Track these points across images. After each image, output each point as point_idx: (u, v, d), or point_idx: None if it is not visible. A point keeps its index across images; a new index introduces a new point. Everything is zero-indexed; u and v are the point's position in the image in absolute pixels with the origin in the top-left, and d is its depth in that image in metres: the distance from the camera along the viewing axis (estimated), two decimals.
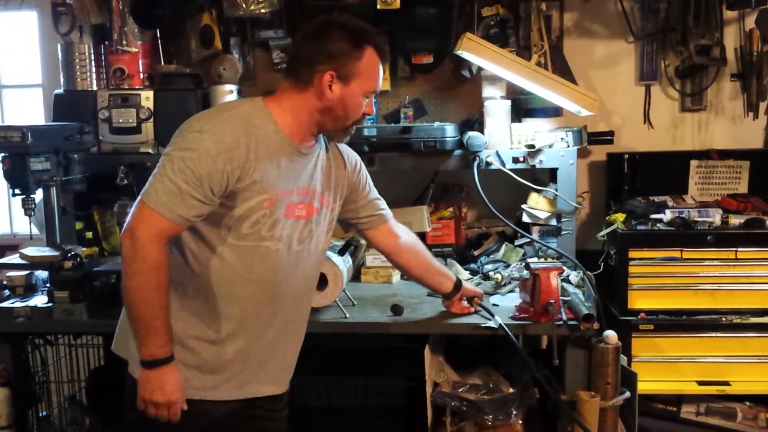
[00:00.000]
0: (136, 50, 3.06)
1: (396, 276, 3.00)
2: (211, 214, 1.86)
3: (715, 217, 2.75)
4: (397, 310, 2.51)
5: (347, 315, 2.51)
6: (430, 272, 2.45)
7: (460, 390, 2.55)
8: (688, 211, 2.79)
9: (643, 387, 2.53)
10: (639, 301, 2.72)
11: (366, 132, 2.86)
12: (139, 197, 1.81)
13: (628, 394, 2.37)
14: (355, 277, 2.95)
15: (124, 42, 3.04)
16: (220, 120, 1.86)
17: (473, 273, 3.00)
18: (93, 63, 3.09)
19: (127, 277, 1.80)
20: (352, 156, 2.21)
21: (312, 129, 1.97)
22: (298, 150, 1.95)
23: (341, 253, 2.68)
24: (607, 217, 2.91)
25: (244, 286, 1.94)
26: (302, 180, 1.98)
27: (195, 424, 1.94)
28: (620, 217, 2.82)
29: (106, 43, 3.11)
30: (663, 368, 2.73)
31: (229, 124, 1.85)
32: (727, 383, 2.71)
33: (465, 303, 2.50)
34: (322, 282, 2.50)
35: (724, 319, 2.70)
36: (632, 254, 2.71)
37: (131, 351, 1.92)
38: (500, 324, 2.36)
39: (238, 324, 1.96)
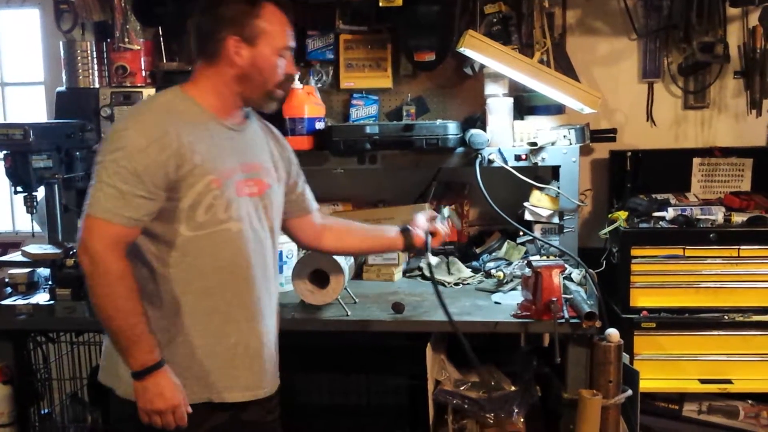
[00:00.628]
0: (138, 48, 3.05)
1: (398, 274, 3.00)
2: (163, 212, 1.81)
3: (718, 214, 2.75)
4: (398, 308, 2.51)
5: (349, 313, 2.50)
6: (368, 236, 2.36)
7: (461, 388, 2.55)
8: (691, 209, 2.78)
9: (645, 385, 2.53)
10: (641, 299, 2.72)
11: (368, 130, 2.86)
12: (83, 212, 1.77)
13: (630, 392, 2.37)
14: (357, 274, 2.95)
15: (126, 39, 3.03)
16: (141, 114, 1.85)
17: (475, 271, 3.00)
18: (95, 60, 3.09)
19: (95, 294, 1.76)
20: (283, 138, 2.19)
21: (237, 102, 1.93)
22: (231, 127, 1.92)
23: None
24: (610, 215, 2.91)
25: (216, 276, 1.88)
26: (244, 156, 1.94)
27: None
28: (623, 214, 2.82)
29: (108, 40, 3.10)
30: (665, 366, 2.73)
31: (152, 115, 1.83)
32: (729, 381, 2.71)
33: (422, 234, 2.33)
34: (324, 280, 2.50)
35: (726, 317, 2.69)
36: (634, 252, 2.70)
37: (120, 374, 1.87)
38: (429, 263, 2.35)
39: (222, 318, 1.90)
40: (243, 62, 1.87)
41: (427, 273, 2.95)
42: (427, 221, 2.33)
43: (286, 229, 2.22)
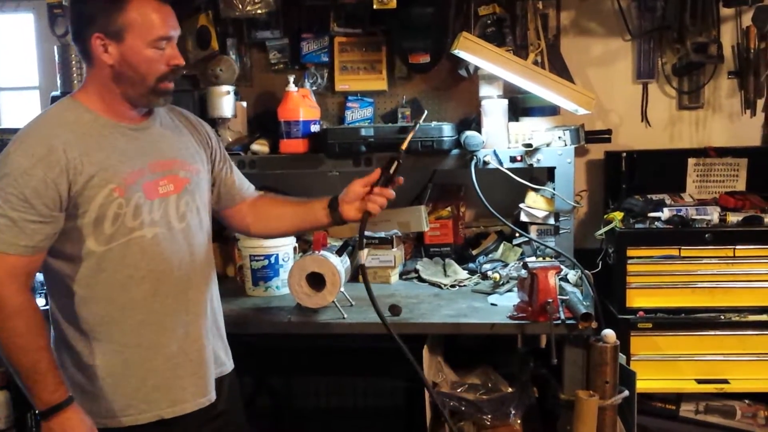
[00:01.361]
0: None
1: (394, 276, 3.00)
2: (68, 231, 1.74)
3: (713, 214, 2.75)
4: (395, 310, 2.51)
5: (345, 316, 2.50)
6: (296, 217, 2.18)
7: (458, 390, 2.55)
8: (686, 209, 2.78)
9: (641, 385, 2.53)
10: (637, 299, 2.72)
11: (363, 132, 2.86)
12: None
13: (626, 392, 2.37)
14: (353, 277, 2.94)
15: None
16: (27, 134, 1.74)
17: (471, 272, 3.00)
18: None
19: None
20: (204, 124, 2.08)
21: (123, 102, 1.81)
22: (131, 128, 1.83)
23: (339, 253, 2.68)
24: (605, 216, 2.91)
25: (140, 287, 1.80)
26: (152, 155, 1.84)
27: None
28: (618, 215, 2.82)
29: None
30: (662, 367, 2.72)
31: (36, 133, 1.73)
32: (726, 381, 2.71)
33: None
34: (320, 283, 2.50)
35: (722, 317, 2.69)
36: (630, 253, 2.70)
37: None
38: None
39: (154, 329, 1.83)
40: (112, 60, 1.76)
41: (423, 275, 2.95)
42: (363, 188, 2.09)
43: (220, 218, 2.15)
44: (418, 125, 2.18)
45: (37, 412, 1.72)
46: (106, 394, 1.81)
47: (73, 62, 3.07)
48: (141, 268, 1.80)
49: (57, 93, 3.09)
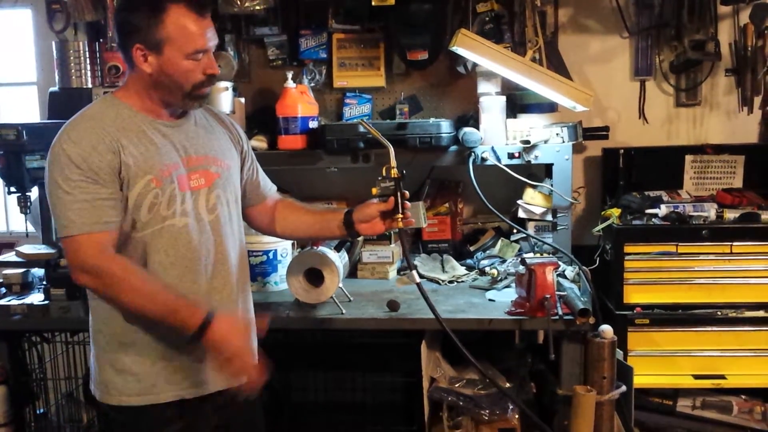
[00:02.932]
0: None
1: (392, 272, 3.00)
2: None
3: (710, 211, 2.76)
4: (393, 306, 2.52)
5: (344, 311, 2.51)
6: (315, 225, 2.25)
7: (456, 385, 2.56)
8: (683, 206, 2.79)
9: (639, 381, 2.54)
10: (634, 295, 2.73)
11: (361, 128, 2.86)
12: (60, 239, 1.81)
13: (624, 388, 2.38)
14: (352, 273, 2.96)
15: None
16: (73, 127, 1.83)
17: (469, 268, 3.01)
18: (88, 60, 3.09)
19: (118, 300, 1.81)
20: (236, 125, 2.18)
21: (160, 103, 1.92)
22: (167, 124, 1.93)
23: (337, 249, 2.68)
24: (603, 212, 2.92)
25: (169, 272, 1.89)
26: (186, 150, 1.94)
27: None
28: (615, 212, 2.83)
29: (101, 40, 3.10)
30: (659, 362, 2.74)
31: (83, 126, 1.83)
32: (722, 377, 2.72)
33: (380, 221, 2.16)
34: (319, 278, 2.51)
35: (719, 313, 2.70)
36: (628, 249, 2.71)
37: (106, 380, 1.92)
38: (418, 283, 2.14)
39: None
40: (151, 69, 1.85)
41: (422, 271, 2.96)
42: (377, 212, 2.13)
43: (243, 216, 2.20)
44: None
45: (193, 337, 1.80)
46: (132, 372, 1.90)
47: (71, 58, 3.07)
48: (171, 255, 1.89)
49: (55, 89, 3.09)
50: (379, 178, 2.11)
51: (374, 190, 2.12)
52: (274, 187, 2.30)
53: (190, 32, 1.83)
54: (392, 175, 2.09)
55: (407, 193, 2.11)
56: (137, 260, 1.87)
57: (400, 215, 2.09)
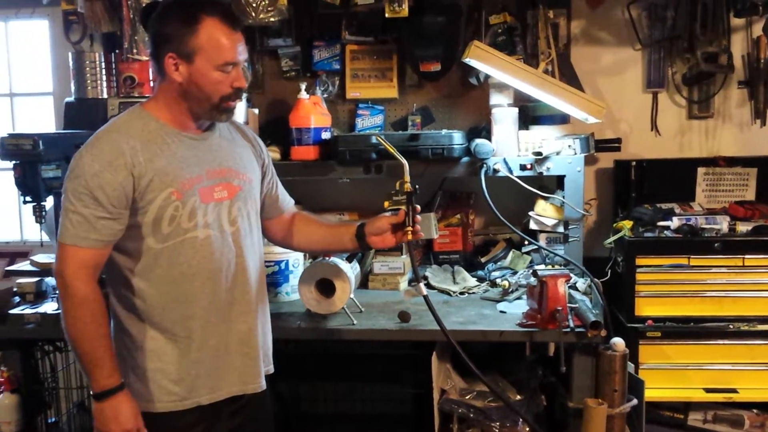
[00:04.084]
0: (147, 59, 3.06)
1: (403, 283, 3.01)
2: (131, 228, 1.87)
3: (723, 224, 2.76)
4: (404, 317, 2.52)
5: (355, 322, 2.52)
6: (328, 239, 2.28)
7: (467, 397, 2.56)
8: (696, 219, 2.79)
9: (650, 394, 2.53)
10: (646, 308, 2.72)
11: (374, 140, 2.87)
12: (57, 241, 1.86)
13: (635, 401, 2.37)
14: (363, 284, 2.96)
15: (135, 50, 3.05)
16: (98, 139, 1.88)
17: (480, 280, 3.01)
18: (103, 71, 3.12)
19: (63, 316, 1.85)
20: (258, 139, 2.21)
21: (188, 115, 1.95)
22: (192, 137, 1.96)
23: (349, 260, 2.69)
24: (615, 225, 2.92)
25: (190, 283, 1.93)
26: (210, 163, 1.97)
27: None
28: (627, 224, 2.83)
29: (117, 51, 3.13)
30: (670, 375, 2.73)
31: (107, 138, 1.87)
32: (734, 390, 2.71)
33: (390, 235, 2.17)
34: (330, 289, 2.52)
35: (731, 326, 2.69)
36: (639, 261, 2.71)
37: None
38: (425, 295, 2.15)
39: (200, 323, 1.95)
40: (181, 78, 1.89)
41: (433, 282, 2.96)
42: (389, 225, 2.15)
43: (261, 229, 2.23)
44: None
45: (92, 393, 1.87)
46: (152, 378, 1.93)
47: (87, 68, 3.10)
48: (192, 266, 1.92)
49: (71, 99, 3.12)
50: (392, 192, 2.13)
51: (386, 204, 2.14)
52: (292, 201, 2.34)
53: (221, 44, 1.88)
54: (405, 189, 2.10)
55: (419, 207, 2.13)
56: (159, 272, 1.90)
57: (410, 228, 2.10)
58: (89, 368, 1.85)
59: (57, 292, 1.87)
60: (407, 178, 2.12)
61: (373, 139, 2.85)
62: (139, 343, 1.93)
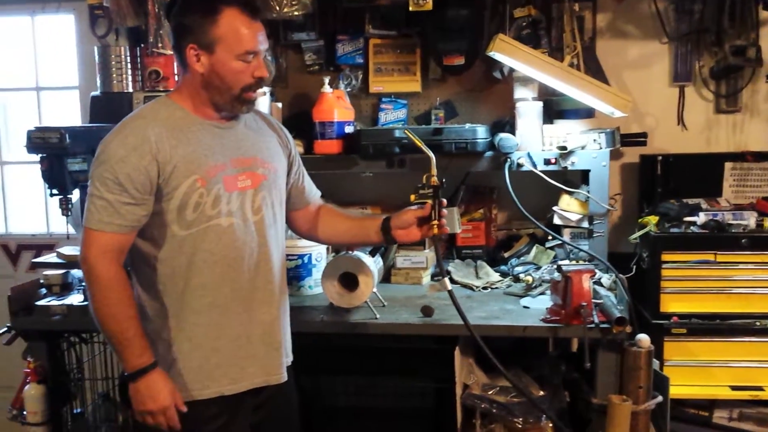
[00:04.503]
0: (171, 53, 3.09)
1: (426, 277, 3.00)
2: (156, 214, 1.90)
3: (750, 219, 2.72)
4: (427, 311, 2.51)
5: (378, 316, 2.52)
6: (354, 232, 2.29)
7: (489, 392, 2.55)
8: (723, 214, 2.75)
9: (675, 391, 2.51)
10: (672, 304, 2.69)
11: (397, 133, 2.87)
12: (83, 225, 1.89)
13: (660, 398, 2.35)
14: (385, 278, 2.96)
15: (160, 44, 3.07)
16: (124, 126, 1.91)
17: (503, 275, 3.00)
18: (129, 65, 3.13)
19: (91, 300, 1.88)
20: (285, 130, 2.22)
21: (211, 106, 1.97)
22: (217, 126, 1.98)
23: (372, 254, 2.69)
24: (640, 220, 2.89)
25: (212, 270, 1.94)
26: (235, 151, 1.99)
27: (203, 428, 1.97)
28: (653, 219, 2.80)
29: (142, 45, 3.14)
30: (696, 372, 2.70)
31: (132, 125, 1.90)
32: (760, 388, 2.68)
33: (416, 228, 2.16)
34: (353, 283, 2.52)
35: (758, 323, 2.65)
36: (665, 257, 2.68)
37: None
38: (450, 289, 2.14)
39: (221, 311, 1.96)
40: (203, 69, 1.91)
41: (455, 277, 2.95)
42: (414, 218, 2.14)
43: (285, 219, 2.23)
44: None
45: (126, 374, 1.89)
46: (174, 366, 1.95)
47: (113, 62, 3.12)
48: (215, 253, 1.94)
49: (97, 93, 3.14)
50: (418, 185, 2.12)
51: (413, 197, 2.14)
52: (319, 193, 2.35)
53: (241, 34, 1.89)
54: (432, 183, 2.10)
55: (445, 201, 2.12)
56: (183, 258, 1.92)
57: (436, 222, 2.09)
58: (120, 349, 1.87)
59: (83, 279, 1.89)
60: (434, 171, 2.11)
61: (398, 133, 2.85)
62: (160, 330, 1.95)
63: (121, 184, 1.83)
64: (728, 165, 3.07)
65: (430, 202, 2.10)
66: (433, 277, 3.04)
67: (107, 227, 1.84)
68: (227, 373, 1.98)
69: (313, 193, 2.31)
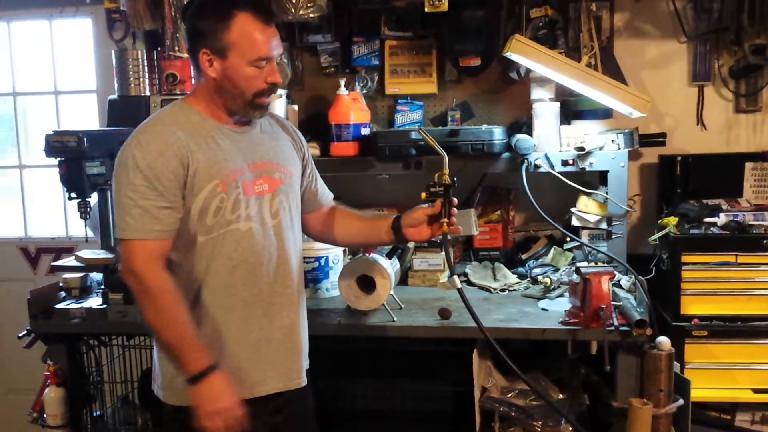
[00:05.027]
0: (188, 56, 3.10)
1: (443, 279, 2.98)
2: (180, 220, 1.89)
3: None
4: (444, 313, 2.50)
5: (395, 318, 2.51)
6: (365, 232, 2.30)
7: (508, 395, 2.53)
8: (743, 215, 2.72)
9: (696, 394, 2.49)
10: (692, 306, 2.67)
11: (413, 135, 2.86)
12: (117, 240, 1.88)
13: (681, 401, 2.33)
14: (402, 280, 2.95)
15: (176, 48, 3.08)
16: (143, 132, 1.89)
17: (521, 277, 2.98)
18: (146, 69, 3.14)
19: (142, 310, 1.85)
20: (298, 132, 2.22)
21: (224, 110, 1.96)
22: (234, 130, 1.98)
23: (389, 256, 2.68)
24: (660, 221, 2.86)
25: (231, 275, 1.94)
26: (252, 156, 1.99)
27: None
28: (673, 220, 2.77)
29: (159, 49, 3.15)
30: (717, 375, 2.67)
31: (153, 130, 1.89)
32: None
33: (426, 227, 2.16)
34: (370, 285, 2.51)
35: None
36: (685, 258, 2.66)
37: (170, 383, 1.97)
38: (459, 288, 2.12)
39: (241, 315, 1.96)
40: (216, 75, 1.90)
41: (473, 279, 2.94)
42: (425, 216, 2.14)
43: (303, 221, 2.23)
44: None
45: (185, 379, 1.85)
46: None
47: (130, 66, 3.13)
48: (234, 258, 1.94)
49: (114, 97, 3.15)
50: (430, 183, 2.12)
51: (423, 195, 2.13)
52: (331, 195, 2.34)
53: (254, 39, 1.88)
54: (443, 181, 2.09)
55: (455, 200, 2.11)
56: (202, 263, 1.92)
57: (446, 220, 2.08)
58: (177, 356, 1.85)
59: (102, 283, 1.88)
60: (446, 170, 2.11)
61: (414, 135, 2.84)
62: None
63: (155, 189, 1.83)
64: (749, 165, 3.03)
65: (440, 200, 2.09)
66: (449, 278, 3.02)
67: (149, 234, 1.83)
68: (247, 377, 1.98)
69: (325, 195, 2.32)
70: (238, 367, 1.97)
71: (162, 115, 1.96)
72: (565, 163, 2.87)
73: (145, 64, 3.14)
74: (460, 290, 2.11)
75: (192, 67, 2.00)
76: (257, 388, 2.00)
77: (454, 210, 2.11)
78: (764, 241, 2.62)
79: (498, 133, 2.87)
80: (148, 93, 3.14)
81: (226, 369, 1.90)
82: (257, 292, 1.98)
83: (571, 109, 3.02)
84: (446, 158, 2.13)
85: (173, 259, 1.93)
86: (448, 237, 2.10)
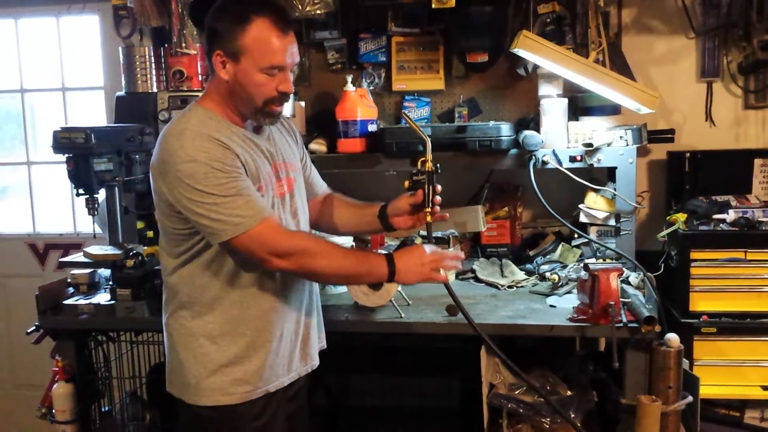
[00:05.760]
0: (195, 52, 3.10)
1: (451, 276, 2.98)
2: None
3: None
4: (452, 310, 2.50)
5: (402, 315, 2.51)
6: (356, 220, 2.32)
7: (516, 392, 2.53)
8: (752, 211, 2.71)
9: (705, 391, 2.47)
10: (701, 303, 2.66)
11: (403, 122, 2.85)
12: (229, 241, 1.82)
13: (690, 398, 2.32)
14: None
15: (184, 44, 3.08)
16: (192, 140, 1.82)
17: (529, 273, 2.97)
18: (153, 65, 3.15)
19: (317, 270, 1.89)
20: (290, 121, 2.23)
21: (237, 113, 1.94)
22: (251, 133, 1.97)
23: None
24: (668, 217, 2.85)
25: (271, 275, 1.96)
26: (274, 158, 2.00)
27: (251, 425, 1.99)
28: (681, 217, 2.76)
29: (166, 45, 3.16)
30: (726, 372, 2.66)
31: (200, 136, 1.83)
32: None
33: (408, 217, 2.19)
34: (378, 282, 2.50)
35: None
36: (694, 255, 2.65)
37: (186, 382, 1.97)
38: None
39: (279, 314, 2.00)
40: (228, 78, 1.88)
41: (480, 276, 2.93)
42: (408, 205, 2.16)
43: None
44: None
45: (388, 281, 1.99)
46: (225, 372, 1.95)
47: (137, 63, 3.13)
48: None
49: (121, 93, 3.16)
50: (413, 171, 2.10)
51: (406, 183, 2.11)
52: (324, 185, 2.35)
53: (269, 47, 1.85)
54: (426, 168, 2.07)
55: (439, 187, 2.10)
56: (247, 265, 1.93)
57: (429, 209, 2.07)
58: (367, 271, 1.94)
59: (290, 272, 1.91)
60: (429, 156, 2.08)
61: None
62: (216, 335, 1.95)
63: (240, 176, 1.82)
64: (758, 161, 3.02)
65: (422, 189, 2.07)
66: (457, 276, 3.02)
67: (264, 213, 1.83)
68: (275, 371, 2.01)
69: (319, 182, 2.33)
70: (272, 363, 2.00)
71: (192, 122, 1.88)
72: (573, 159, 2.86)
73: (152, 60, 3.15)
74: (447, 285, 2.09)
75: (207, 66, 1.97)
76: (281, 378, 2.04)
77: (438, 198, 2.09)
78: None
79: (505, 130, 2.86)
80: (155, 89, 3.14)
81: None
82: (296, 290, 2.03)
83: (579, 105, 3.01)
84: (429, 143, 2.11)
85: (217, 261, 1.93)
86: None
